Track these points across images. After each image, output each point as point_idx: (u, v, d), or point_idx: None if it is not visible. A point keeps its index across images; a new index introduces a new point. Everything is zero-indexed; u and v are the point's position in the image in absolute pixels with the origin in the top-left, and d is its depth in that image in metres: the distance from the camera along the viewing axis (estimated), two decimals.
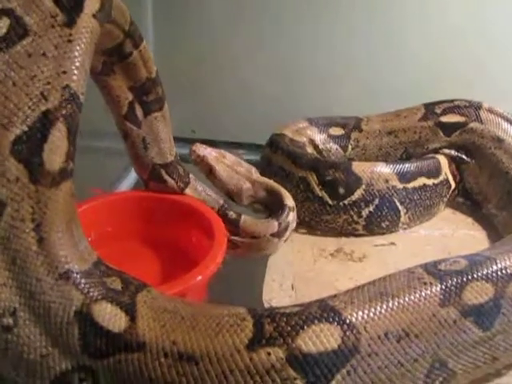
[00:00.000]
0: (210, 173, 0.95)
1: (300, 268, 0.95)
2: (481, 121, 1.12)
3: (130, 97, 0.85)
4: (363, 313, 0.59)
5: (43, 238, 0.54)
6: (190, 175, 0.93)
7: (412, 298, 0.63)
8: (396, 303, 0.62)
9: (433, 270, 0.68)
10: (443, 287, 0.65)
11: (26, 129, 0.53)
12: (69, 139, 0.55)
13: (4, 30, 0.54)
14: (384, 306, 0.61)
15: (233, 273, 0.86)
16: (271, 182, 0.99)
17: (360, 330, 0.58)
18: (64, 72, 0.56)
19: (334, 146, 1.20)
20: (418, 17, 1.32)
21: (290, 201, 0.96)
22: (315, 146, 1.20)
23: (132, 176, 1.24)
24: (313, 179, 1.04)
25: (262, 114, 1.40)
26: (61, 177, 0.55)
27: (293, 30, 1.39)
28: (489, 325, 0.66)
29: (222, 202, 0.93)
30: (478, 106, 1.14)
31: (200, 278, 0.72)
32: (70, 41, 0.57)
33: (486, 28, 1.30)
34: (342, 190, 1.03)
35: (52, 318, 0.54)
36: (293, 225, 0.96)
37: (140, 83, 0.84)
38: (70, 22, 0.58)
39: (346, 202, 1.03)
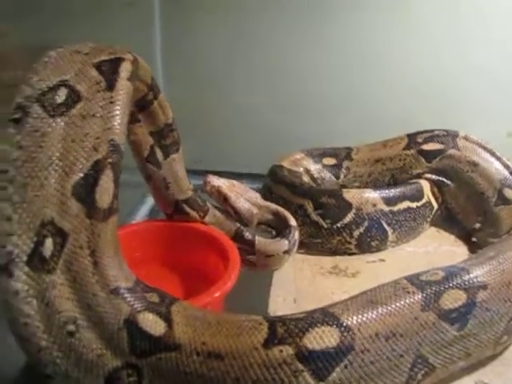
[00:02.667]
0: (224, 201, 1.01)
1: (301, 284, 1.03)
2: (458, 148, 1.20)
3: (151, 141, 0.92)
4: (357, 317, 0.68)
5: (97, 262, 0.64)
6: (207, 203, 1.00)
7: (397, 304, 0.71)
8: (384, 309, 0.70)
9: (415, 280, 0.76)
10: (424, 295, 0.73)
11: (82, 175, 0.64)
12: (114, 182, 0.66)
13: (64, 98, 0.66)
14: (374, 312, 0.69)
15: (242, 289, 0.92)
16: (275, 206, 1.07)
17: (355, 331, 0.66)
18: (109, 128, 0.67)
19: (327, 175, 1.30)
20: (396, 62, 1.44)
21: (293, 221, 1.04)
22: (311, 175, 1.29)
23: (147, 206, 1.33)
24: (309, 206, 1.13)
25: (263, 145, 1.48)
26: (109, 212, 0.66)
27: (293, 64, 1.47)
28: (462, 326, 0.75)
29: (238, 224, 1.00)
30: (454, 135, 1.22)
31: (218, 294, 0.81)
32: (111, 102, 0.68)
33: (461, 68, 1.41)
34: (334, 215, 1.12)
35: (105, 325, 0.63)
36: (297, 242, 1.04)
37: (159, 128, 0.91)
38: (111, 87, 0.70)
39: (338, 225, 1.12)
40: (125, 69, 0.73)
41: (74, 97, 0.67)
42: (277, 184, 1.21)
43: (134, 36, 1.30)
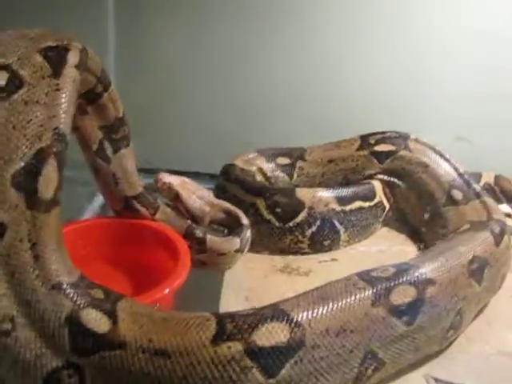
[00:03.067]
0: (175, 198, 1.00)
1: (252, 282, 1.03)
2: (409, 149, 1.22)
3: (100, 135, 0.90)
4: (308, 313, 0.68)
5: (38, 256, 0.61)
6: (158, 200, 0.98)
7: (348, 300, 0.72)
8: (335, 305, 0.70)
9: (366, 276, 0.77)
10: (374, 291, 0.74)
11: (23, 164, 0.61)
12: (59, 172, 0.64)
13: (3, 82, 0.62)
14: (325, 307, 0.69)
15: (193, 288, 0.91)
16: (227, 204, 1.06)
17: (305, 327, 0.66)
18: (54, 116, 0.64)
19: (281, 174, 1.29)
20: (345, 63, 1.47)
21: (245, 220, 1.04)
22: (264, 175, 1.28)
23: (96, 204, 1.29)
24: (261, 204, 1.12)
25: (217, 145, 1.47)
26: (52, 203, 0.63)
27: (248, 65, 1.48)
28: (411, 321, 0.76)
29: (189, 222, 0.99)
30: (405, 137, 1.24)
31: (167, 291, 0.79)
32: (57, 89, 0.66)
33: (410, 70, 1.45)
34: (287, 214, 1.12)
35: (45, 323, 0.60)
36: (250, 240, 1.03)
37: (109, 122, 0.89)
38: (57, 74, 0.67)
39: (291, 224, 1.12)
40: (72, 56, 0.71)
41: (16, 82, 0.64)
42: (229, 182, 1.20)
43: (85, 31, 1.27)
